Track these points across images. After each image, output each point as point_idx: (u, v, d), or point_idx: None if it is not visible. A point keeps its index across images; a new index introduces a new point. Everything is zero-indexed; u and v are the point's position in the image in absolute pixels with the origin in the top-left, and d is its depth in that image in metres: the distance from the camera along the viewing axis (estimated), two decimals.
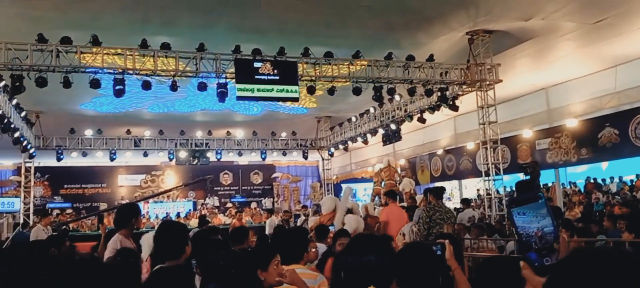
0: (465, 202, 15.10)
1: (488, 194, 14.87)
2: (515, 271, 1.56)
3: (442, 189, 9.75)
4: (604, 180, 17.99)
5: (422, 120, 17.04)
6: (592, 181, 17.49)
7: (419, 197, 12.78)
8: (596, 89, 15.18)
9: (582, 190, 17.47)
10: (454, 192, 24.11)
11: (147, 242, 4.30)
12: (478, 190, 20.97)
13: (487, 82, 14.23)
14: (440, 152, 22.27)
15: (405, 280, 2.49)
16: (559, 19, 11.70)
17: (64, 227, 17.04)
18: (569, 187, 19.37)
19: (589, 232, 9.23)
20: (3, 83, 12.41)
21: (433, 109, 16.03)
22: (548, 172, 17.29)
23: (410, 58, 13.44)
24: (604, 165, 17.82)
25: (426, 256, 2.63)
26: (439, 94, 14.96)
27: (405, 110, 17.61)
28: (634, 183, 17.87)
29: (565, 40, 13.01)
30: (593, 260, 1.19)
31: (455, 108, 15.40)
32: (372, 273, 2.17)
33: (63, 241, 7.39)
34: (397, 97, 15.72)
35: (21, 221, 18.50)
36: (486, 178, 14.85)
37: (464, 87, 14.71)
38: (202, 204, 26.43)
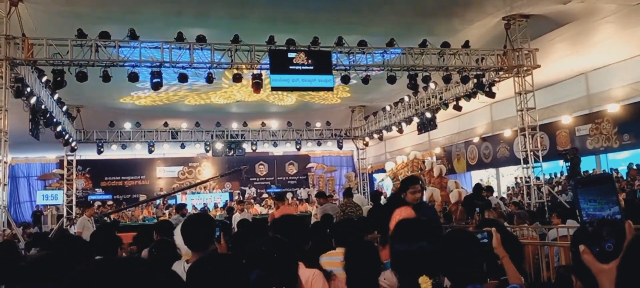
0: (488, 190, 14.95)
1: (527, 182, 14.63)
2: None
3: (350, 189, 12.27)
4: None
5: (457, 107, 16.83)
6: (634, 167, 17.00)
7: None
8: (638, 72, 14.74)
9: (624, 177, 16.98)
10: (491, 180, 23.79)
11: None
12: (516, 178, 20.65)
13: (525, 68, 13.97)
14: (476, 139, 21.99)
15: (447, 267, 2.47)
16: (599, 0, 11.38)
17: (106, 218, 17.48)
18: (610, 174, 18.90)
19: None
20: (45, 78, 12.76)
21: (469, 96, 15.81)
22: (589, 158, 16.92)
23: (445, 45, 13.28)
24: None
25: (469, 243, 2.60)
26: (475, 80, 14.76)
27: (441, 98, 17.40)
28: None
29: (605, 23, 12.66)
30: None
31: (491, 95, 15.16)
32: (425, 260, 2.12)
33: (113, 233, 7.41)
34: (432, 85, 15.56)
35: (64, 213, 19.01)
36: (525, 166, 14.61)
37: (501, 73, 14.46)
38: (239, 194, 26.71)
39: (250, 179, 28.29)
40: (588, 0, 11.34)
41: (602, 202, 1.33)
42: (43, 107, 13.65)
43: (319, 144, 24.83)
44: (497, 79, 14.87)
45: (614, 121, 15.77)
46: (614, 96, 15.66)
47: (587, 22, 12.56)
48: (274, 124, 23.43)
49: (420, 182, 6.11)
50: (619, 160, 18.00)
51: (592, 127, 16.59)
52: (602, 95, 16.07)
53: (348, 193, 11.67)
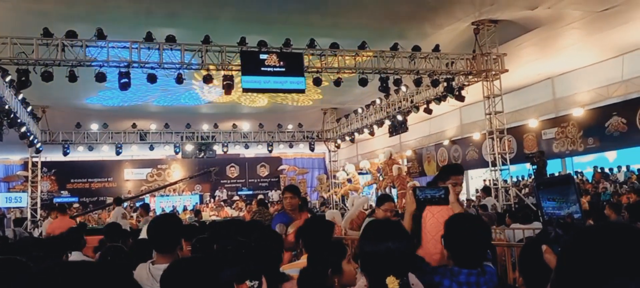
0: (485, 191, 15.31)
1: (495, 185, 14.83)
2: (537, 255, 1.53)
3: (264, 199, 12.99)
4: (611, 169, 17.90)
5: (428, 111, 16.99)
6: (599, 170, 17.39)
7: None
8: (603, 77, 15.08)
9: (589, 180, 17.36)
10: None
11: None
12: (484, 180, 20.92)
13: (493, 72, 14.18)
14: (446, 142, 22.23)
15: (454, 249, 2.66)
16: (565, 7, 11.61)
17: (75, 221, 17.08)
18: (575, 176, 19.25)
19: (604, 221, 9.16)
20: (9, 78, 12.44)
21: (439, 99, 15.99)
22: (554, 161, 17.23)
23: (416, 49, 13.39)
24: (612, 155, 17.74)
25: (476, 227, 2.74)
26: (445, 84, 14.92)
27: (412, 101, 17.55)
28: None
29: (571, 29, 12.92)
30: (603, 234, 1.16)
31: (461, 98, 15.35)
32: (391, 260, 2.14)
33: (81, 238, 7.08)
34: (403, 88, 15.68)
35: (29, 216, 18.58)
36: (493, 168, 14.82)
37: (470, 77, 14.66)
38: (211, 196, 26.43)
39: (221, 181, 28.06)
40: (554, 7, 11.56)
41: (561, 202, 1.36)
42: (7, 107, 13.30)
43: (291, 146, 24.80)
44: (466, 83, 15.06)
45: (579, 125, 16.12)
46: (579, 100, 15.99)
47: (553, 27, 12.80)
48: (245, 126, 23.29)
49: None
50: (584, 163, 18.37)
51: (558, 130, 16.92)
52: (568, 99, 16.40)
53: (262, 203, 12.16)
